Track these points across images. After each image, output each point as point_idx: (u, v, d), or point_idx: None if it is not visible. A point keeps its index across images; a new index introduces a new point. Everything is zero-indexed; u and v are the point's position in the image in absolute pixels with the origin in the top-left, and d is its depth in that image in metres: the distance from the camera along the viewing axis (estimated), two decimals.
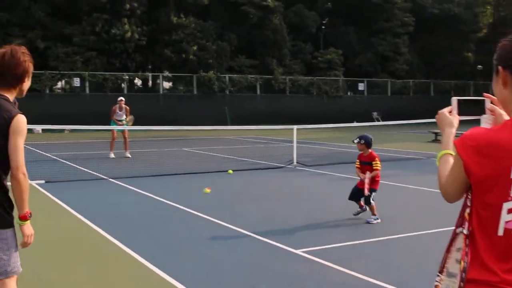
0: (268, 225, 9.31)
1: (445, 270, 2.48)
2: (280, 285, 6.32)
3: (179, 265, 7.09)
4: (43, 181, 13.71)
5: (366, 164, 9.57)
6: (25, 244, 4.17)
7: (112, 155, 19.54)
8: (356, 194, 9.64)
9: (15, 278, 4.22)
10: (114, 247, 7.96)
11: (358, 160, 9.79)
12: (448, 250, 2.49)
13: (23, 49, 4.24)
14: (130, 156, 19.72)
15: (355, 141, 9.65)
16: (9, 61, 4.12)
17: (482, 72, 51.68)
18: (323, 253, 7.52)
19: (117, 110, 19.42)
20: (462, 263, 2.35)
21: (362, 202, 9.53)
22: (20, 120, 4.07)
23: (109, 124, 19.62)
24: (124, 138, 19.77)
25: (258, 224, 9.33)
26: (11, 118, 4.00)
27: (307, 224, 9.40)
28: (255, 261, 7.26)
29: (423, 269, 6.82)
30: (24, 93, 4.30)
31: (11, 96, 4.20)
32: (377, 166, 9.49)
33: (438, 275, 2.50)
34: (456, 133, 2.70)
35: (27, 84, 4.25)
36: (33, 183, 13.52)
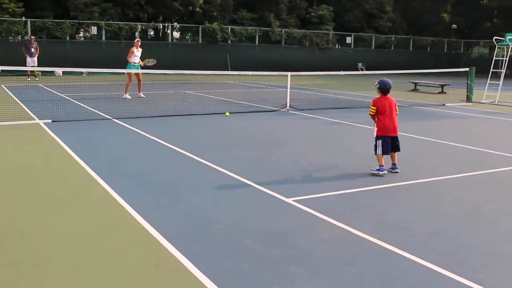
0: (261, 170, 8.00)
1: None
2: (268, 240, 5.04)
3: (164, 214, 5.79)
4: (50, 121, 12.35)
5: None
6: None
7: (128, 96, 18.17)
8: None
9: None
10: (99, 189, 6.68)
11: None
12: None
13: None
14: (144, 96, 18.44)
15: (375, 84, 8.15)
16: None
17: (456, 31, 50.06)
18: (315, 203, 6.23)
19: (135, 51, 17.94)
20: None
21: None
22: None
23: (125, 67, 18.19)
24: (138, 80, 18.68)
25: (251, 169, 8.02)
26: None
27: (300, 169, 8.08)
28: (245, 211, 5.95)
29: (418, 226, 5.57)
30: None
31: None
32: (370, 110, 8.11)
33: None
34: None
35: None
36: (40, 122, 12.23)
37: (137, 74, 18.51)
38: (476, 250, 4.97)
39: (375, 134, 8.05)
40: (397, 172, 7.93)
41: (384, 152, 7.87)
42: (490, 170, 8.33)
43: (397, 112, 8.10)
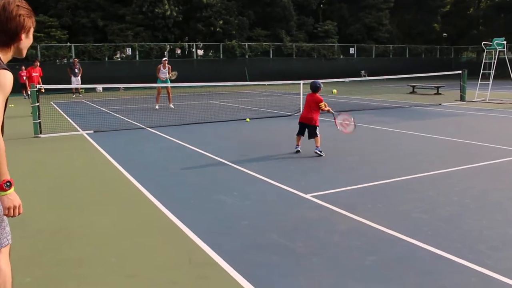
0: (281, 169, 7.74)
1: None
2: (291, 233, 4.79)
3: (195, 212, 5.56)
4: (92, 131, 12.24)
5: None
6: (8, 216, 2.65)
7: (157, 107, 18.24)
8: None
9: (4, 251, 2.78)
10: (136, 190, 6.47)
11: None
12: None
13: (19, 1, 2.60)
14: (173, 107, 18.37)
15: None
16: None
17: (446, 39, 49.31)
18: (330, 197, 5.96)
19: (162, 68, 18.05)
20: None
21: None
22: (1, 74, 2.50)
23: (156, 82, 18.22)
24: (168, 93, 18.64)
25: (272, 168, 7.77)
26: None
27: (315, 167, 7.82)
28: (268, 208, 5.68)
29: (429, 216, 5.27)
30: (24, 52, 2.66)
31: (4, 55, 2.61)
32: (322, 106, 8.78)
33: None
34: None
35: (25, 42, 2.61)
36: (84, 133, 12.12)
37: (166, 88, 18.46)
38: (484, 235, 4.67)
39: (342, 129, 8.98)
40: (321, 154, 8.51)
41: (297, 134, 8.94)
42: (489, 161, 7.97)
43: (326, 108, 8.73)
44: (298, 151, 8.84)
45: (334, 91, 13.72)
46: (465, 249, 4.33)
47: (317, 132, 8.71)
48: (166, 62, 18.32)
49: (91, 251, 4.47)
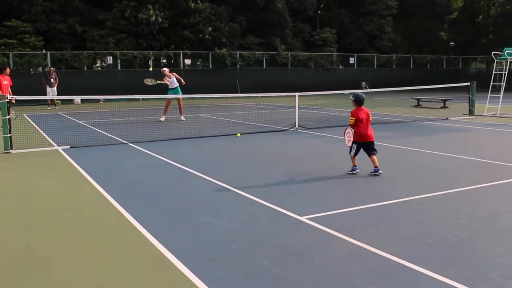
0: (274, 189, 7.71)
1: None
2: (284, 260, 4.75)
3: (180, 236, 5.51)
4: (68, 147, 12.17)
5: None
6: None
7: (163, 119, 18.53)
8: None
9: None
10: (116, 213, 6.40)
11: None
12: None
13: None
14: (184, 119, 18.72)
15: (351, 98, 8.99)
16: None
17: (454, 48, 49.83)
18: (329, 220, 5.93)
19: (167, 79, 18.27)
20: None
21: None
22: None
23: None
24: (179, 104, 19.03)
25: (264, 188, 7.74)
26: None
27: (313, 187, 7.80)
28: (259, 231, 5.65)
29: (435, 241, 5.25)
30: None
31: None
32: (349, 120, 8.76)
33: None
34: None
35: None
36: (59, 148, 12.05)
37: (177, 99, 18.76)
38: (497, 262, 4.66)
39: (348, 144, 8.74)
40: (381, 173, 8.39)
41: (355, 155, 8.63)
42: (500, 181, 8.00)
43: (371, 119, 8.84)
44: (357, 172, 8.60)
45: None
46: (476, 277, 4.31)
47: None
48: (167, 71, 18.48)
49: (64, 281, 4.41)
